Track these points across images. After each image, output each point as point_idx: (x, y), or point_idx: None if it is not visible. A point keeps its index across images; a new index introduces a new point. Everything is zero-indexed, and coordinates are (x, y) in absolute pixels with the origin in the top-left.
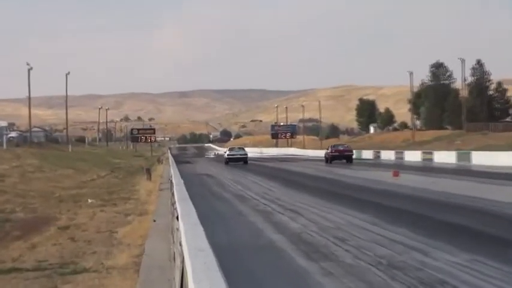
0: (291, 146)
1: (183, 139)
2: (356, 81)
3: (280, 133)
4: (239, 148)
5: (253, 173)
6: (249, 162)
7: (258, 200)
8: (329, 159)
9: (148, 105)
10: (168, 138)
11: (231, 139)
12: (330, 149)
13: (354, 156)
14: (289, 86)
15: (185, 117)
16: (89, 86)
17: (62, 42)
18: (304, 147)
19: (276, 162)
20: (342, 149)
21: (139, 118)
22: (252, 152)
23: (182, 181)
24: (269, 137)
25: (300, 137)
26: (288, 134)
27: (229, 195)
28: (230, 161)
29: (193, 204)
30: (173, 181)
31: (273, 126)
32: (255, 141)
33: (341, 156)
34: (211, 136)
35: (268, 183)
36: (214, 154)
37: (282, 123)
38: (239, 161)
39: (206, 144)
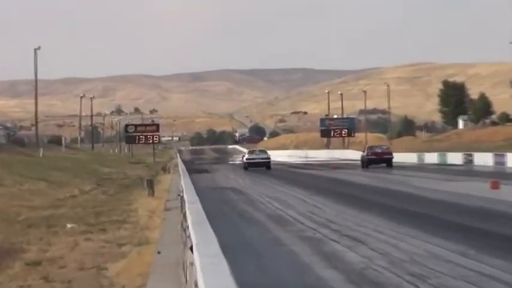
0: (347, 148)
1: (197, 139)
2: (437, 58)
3: (333, 130)
4: (260, 151)
5: (294, 185)
6: (290, 170)
7: (303, 222)
8: (365, 163)
9: (150, 92)
10: (177, 138)
11: (265, 138)
12: (366, 151)
13: (436, 161)
14: (344, 64)
15: (200, 108)
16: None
17: (30, 5)
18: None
19: (327, 170)
20: (379, 151)
21: (137, 110)
22: (293, 155)
23: (197, 197)
24: (317, 135)
25: (360, 135)
26: (344, 131)
27: (262, 217)
28: (250, 166)
29: (214, 229)
30: (185, 197)
31: (322, 121)
32: (299, 141)
33: (379, 160)
34: (237, 135)
35: (316, 199)
36: (243, 159)
37: (335, 116)
38: (260, 166)
39: (230, 146)
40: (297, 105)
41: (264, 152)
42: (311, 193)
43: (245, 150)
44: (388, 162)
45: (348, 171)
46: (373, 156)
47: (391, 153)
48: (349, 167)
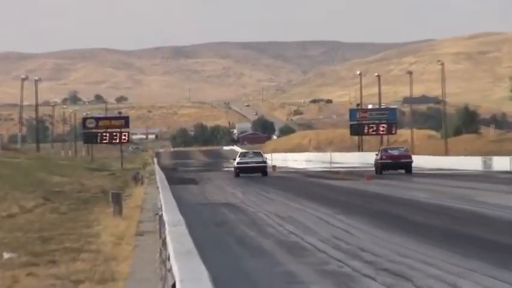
0: None
1: (181, 137)
2: (509, 26)
3: (367, 125)
4: (255, 153)
5: (314, 201)
6: (308, 180)
7: (326, 251)
8: (379, 169)
9: (117, 72)
10: (153, 136)
11: (274, 136)
12: (379, 154)
13: (509, 168)
14: (382, 35)
15: (185, 95)
16: (5, 39)
17: None
18: (413, 151)
19: (360, 181)
20: (396, 154)
21: (98, 97)
22: (313, 160)
23: (181, 218)
24: (346, 132)
25: (404, 133)
26: (383, 127)
27: (270, 244)
28: (242, 172)
29: (204, 261)
30: (164, 218)
31: (353, 113)
32: (320, 140)
33: (395, 165)
34: (235, 132)
35: (344, 220)
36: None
37: (370, 106)
38: (254, 172)
39: (226, 148)
40: (317, 92)
41: (259, 154)
42: (337, 211)
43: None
44: (407, 167)
45: (389, 182)
46: (389, 160)
47: (410, 157)
48: (391, 176)
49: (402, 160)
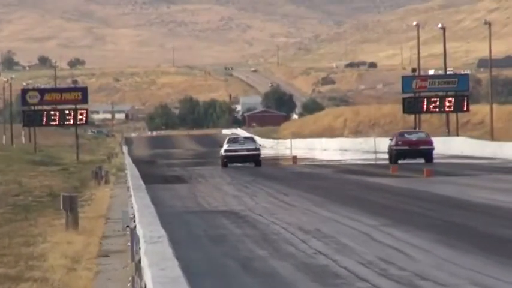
0: (456, 134)
1: (162, 117)
2: None
3: (427, 99)
4: (246, 138)
5: (351, 207)
6: (343, 177)
7: (369, 280)
8: (393, 157)
9: (70, 25)
10: (123, 115)
11: (294, 115)
12: (394, 139)
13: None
14: None
15: (168, 56)
16: None
17: None
18: (492, 136)
19: (416, 179)
20: (415, 139)
21: (43, 60)
22: (351, 149)
23: (163, 232)
24: (397, 108)
25: (481, 109)
26: (450, 102)
27: (289, 269)
28: (230, 161)
29: None
30: (139, 232)
31: (406, 81)
32: (360, 120)
33: (414, 152)
34: (238, 109)
35: (395, 234)
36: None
37: (431, 72)
38: (245, 161)
39: (226, 131)
40: (356, 52)
41: (252, 140)
42: (385, 222)
43: (256, 139)
44: (427, 155)
45: (459, 180)
46: (406, 147)
47: (431, 143)
48: (463, 171)
49: (422, 147)
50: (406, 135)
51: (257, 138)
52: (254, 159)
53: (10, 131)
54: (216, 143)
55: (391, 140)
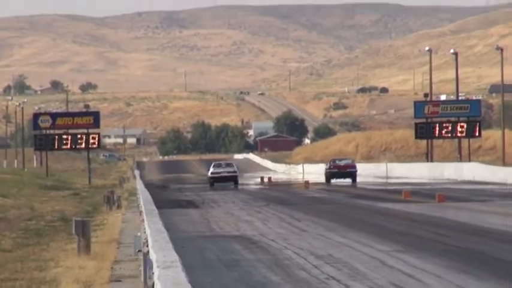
0: (468, 159)
1: (174, 141)
2: None
3: (438, 124)
4: (227, 164)
5: (362, 232)
6: (355, 202)
7: None
8: (327, 178)
9: (82, 49)
10: (134, 139)
11: (306, 140)
12: (328, 164)
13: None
14: None
15: (180, 81)
16: None
17: None
18: (504, 161)
19: (429, 204)
20: (342, 164)
21: (56, 84)
22: (362, 174)
23: (176, 256)
24: (409, 133)
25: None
26: (462, 127)
27: None
28: (216, 182)
29: None
30: (152, 256)
31: (418, 107)
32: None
33: (342, 174)
34: (250, 133)
35: (407, 260)
36: (263, 181)
37: (443, 97)
38: (227, 181)
39: (238, 156)
40: (368, 77)
41: (231, 165)
42: (398, 248)
43: (269, 164)
44: (352, 175)
45: (470, 206)
46: (335, 170)
47: (355, 167)
48: (475, 196)
49: (348, 170)
50: (337, 162)
51: (269, 163)
52: (233, 179)
53: (22, 155)
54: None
55: (327, 165)
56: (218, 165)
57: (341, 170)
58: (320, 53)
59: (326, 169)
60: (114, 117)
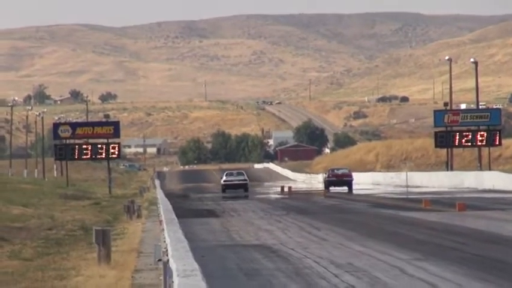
0: (489, 168)
1: (194, 151)
2: None
3: (458, 133)
4: (238, 173)
5: (382, 241)
6: (374, 211)
7: None
8: (326, 185)
9: (101, 59)
10: (155, 149)
11: (326, 150)
12: (327, 173)
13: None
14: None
15: (200, 90)
16: None
17: None
18: None
19: (449, 213)
20: (340, 173)
21: (75, 95)
22: (382, 183)
23: (196, 265)
24: (428, 142)
25: None
26: (482, 136)
27: None
28: (227, 189)
29: None
30: (172, 266)
31: (438, 116)
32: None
33: (339, 182)
34: (270, 143)
35: (427, 268)
36: (283, 191)
37: (463, 106)
38: (238, 188)
39: (258, 166)
40: (388, 86)
41: (242, 173)
42: (418, 257)
43: (289, 174)
44: (348, 184)
45: (493, 214)
46: (333, 178)
47: (351, 176)
48: (495, 205)
49: (345, 178)
50: (335, 171)
51: (289, 172)
52: (243, 187)
53: (42, 165)
54: (248, 177)
55: (325, 173)
56: (230, 174)
57: (338, 178)
58: (340, 62)
59: (325, 178)
60: (134, 127)
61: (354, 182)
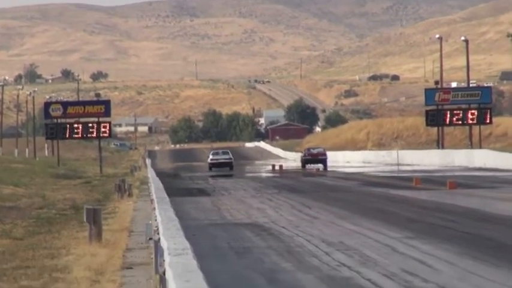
0: (479, 146)
1: (185, 130)
2: None
3: (449, 112)
4: (223, 152)
5: (374, 219)
6: (365, 189)
7: None
8: (303, 164)
9: (92, 38)
10: (146, 128)
11: (317, 128)
12: (304, 152)
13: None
14: None
15: (189, 68)
16: None
17: None
18: None
19: (439, 191)
20: (315, 152)
21: (66, 73)
22: (373, 162)
23: (187, 244)
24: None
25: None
26: (472, 114)
27: (312, 281)
28: (213, 167)
29: None
30: (163, 244)
31: (429, 94)
32: (384, 133)
33: (314, 160)
34: (262, 121)
35: (417, 247)
36: (274, 169)
37: (454, 84)
38: (224, 167)
39: (249, 144)
40: (378, 65)
41: (227, 152)
42: (409, 235)
43: (280, 152)
44: (323, 162)
45: (483, 193)
46: (309, 157)
47: (325, 154)
48: (486, 183)
49: (319, 157)
50: (311, 150)
51: (281, 151)
52: (229, 165)
53: (33, 144)
54: (239, 156)
55: (302, 152)
56: (216, 153)
57: (314, 157)
58: (331, 41)
59: (302, 156)
60: (125, 106)
61: (328, 160)
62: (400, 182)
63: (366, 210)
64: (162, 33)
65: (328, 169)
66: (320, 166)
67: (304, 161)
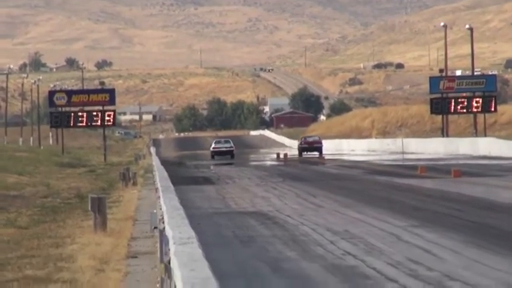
0: (484, 134)
1: (189, 118)
2: None
3: (454, 100)
4: (225, 141)
5: (378, 208)
6: (370, 178)
7: (398, 280)
8: (300, 152)
9: (97, 26)
10: (150, 116)
11: (321, 117)
12: (300, 141)
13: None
14: None
15: (195, 57)
16: None
17: None
18: None
19: (444, 180)
20: (311, 140)
21: (70, 62)
22: (378, 150)
23: (192, 233)
24: (424, 109)
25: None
26: (477, 103)
27: (317, 270)
28: (216, 155)
29: None
30: (168, 233)
31: (434, 82)
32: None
33: (311, 148)
34: (266, 110)
35: (422, 235)
36: (279, 157)
37: (458, 73)
38: (225, 155)
39: (254, 133)
40: (383, 53)
41: (229, 141)
42: (414, 223)
43: (285, 141)
44: (319, 149)
45: (488, 181)
46: (306, 145)
47: (321, 142)
48: (491, 171)
49: (315, 145)
50: (307, 139)
51: (286, 139)
52: (230, 153)
53: (38, 133)
54: (244, 144)
55: (299, 141)
56: (218, 142)
57: (310, 145)
58: (335, 29)
59: (298, 145)
60: (130, 95)
61: (323, 147)
62: (405, 170)
63: (371, 198)
64: (167, 22)
65: (334, 157)
66: (316, 153)
67: (301, 149)
